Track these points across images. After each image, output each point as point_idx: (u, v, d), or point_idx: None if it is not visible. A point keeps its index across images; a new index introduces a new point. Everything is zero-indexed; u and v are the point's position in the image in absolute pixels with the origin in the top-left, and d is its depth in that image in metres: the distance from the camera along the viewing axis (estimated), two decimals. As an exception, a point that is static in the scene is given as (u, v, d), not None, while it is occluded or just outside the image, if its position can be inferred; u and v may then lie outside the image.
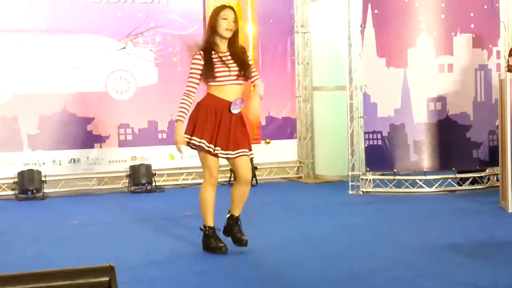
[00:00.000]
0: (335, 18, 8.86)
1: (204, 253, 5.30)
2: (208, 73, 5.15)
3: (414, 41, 7.90)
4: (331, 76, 9.07)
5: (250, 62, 5.31)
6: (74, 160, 8.50)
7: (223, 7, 5.29)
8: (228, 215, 5.42)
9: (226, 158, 5.23)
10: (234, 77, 5.18)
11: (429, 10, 7.90)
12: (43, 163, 8.35)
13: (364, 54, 8.02)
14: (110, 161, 8.63)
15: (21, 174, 8.12)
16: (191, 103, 5.19)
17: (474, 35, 7.95)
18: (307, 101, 9.42)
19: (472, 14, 7.95)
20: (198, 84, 5.21)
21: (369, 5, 7.93)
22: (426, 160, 7.96)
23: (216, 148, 5.16)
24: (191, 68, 5.21)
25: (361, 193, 8.02)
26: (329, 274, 4.63)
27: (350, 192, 8.04)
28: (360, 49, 8.05)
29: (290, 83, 9.38)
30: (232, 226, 5.39)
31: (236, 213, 5.40)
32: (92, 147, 8.55)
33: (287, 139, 9.41)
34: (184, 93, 5.20)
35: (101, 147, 8.59)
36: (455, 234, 5.84)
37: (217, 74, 5.15)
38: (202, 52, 5.19)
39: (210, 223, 5.35)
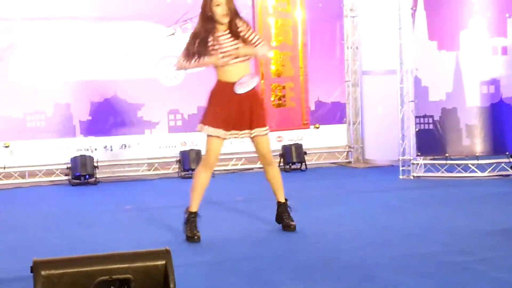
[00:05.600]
0: (384, 1, 8.75)
1: (256, 238, 5.31)
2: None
3: (467, 23, 7.76)
4: (380, 60, 8.97)
5: (244, 32, 5.22)
6: (125, 146, 8.62)
7: None
8: (276, 203, 5.44)
9: (244, 137, 5.29)
10: (234, 56, 5.19)
11: (482, -9, 7.75)
12: (95, 149, 8.48)
13: (415, 37, 7.92)
14: (160, 147, 8.72)
15: (74, 159, 8.26)
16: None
17: (528, 16, 7.80)
18: (357, 85, 9.35)
19: (526, -6, 7.79)
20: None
21: (420, -13, 7.83)
22: (478, 144, 7.84)
23: (229, 132, 5.19)
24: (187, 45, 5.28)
25: (412, 177, 7.95)
26: (380, 259, 4.61)
27: (400, 176, 7.97)
28: (411, 32, 7.95)
29: (339, 68, 9.31)
30: (281, 213, 5.42)
31: (281, 199, 5.42)
32: (143, 132, 8.65)
33: (337, 124, 9.36)
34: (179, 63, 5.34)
35: (151, 132, 8.68)
36: (509, 219, 5.74)
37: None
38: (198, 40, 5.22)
39: (193, 208, 5.30)
